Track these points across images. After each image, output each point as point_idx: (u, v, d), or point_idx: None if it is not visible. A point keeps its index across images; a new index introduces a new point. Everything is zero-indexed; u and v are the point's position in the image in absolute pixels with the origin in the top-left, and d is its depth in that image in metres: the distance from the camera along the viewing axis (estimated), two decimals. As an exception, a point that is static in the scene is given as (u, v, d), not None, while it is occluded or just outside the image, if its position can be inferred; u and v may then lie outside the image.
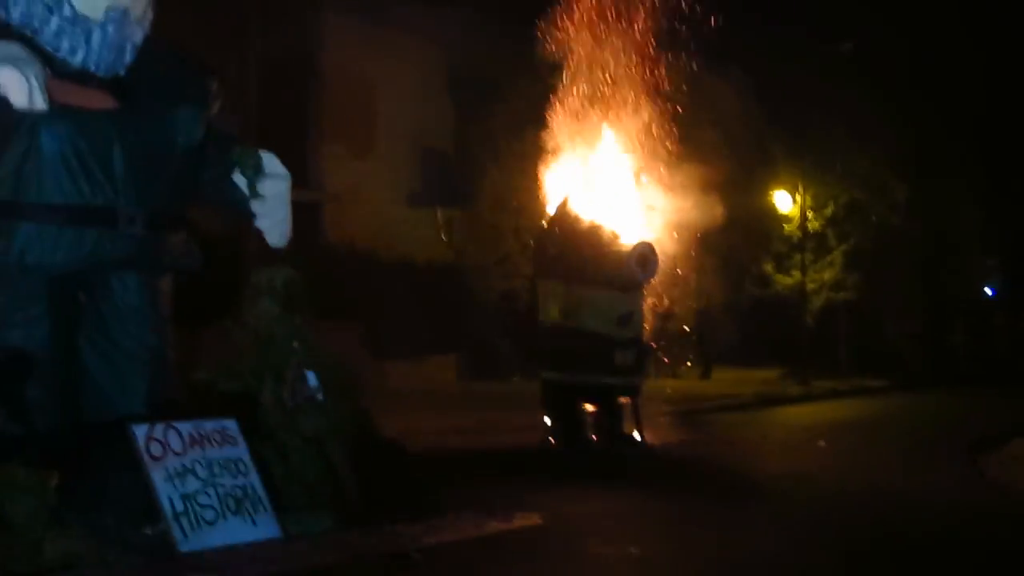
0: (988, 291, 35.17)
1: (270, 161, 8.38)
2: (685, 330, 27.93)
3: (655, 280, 14.56)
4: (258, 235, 8.70)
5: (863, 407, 21.67)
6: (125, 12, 7.68)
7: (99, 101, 7.65)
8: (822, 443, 15.31)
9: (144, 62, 7.89)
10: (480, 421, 16.51)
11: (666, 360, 26.71)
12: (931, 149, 29.13)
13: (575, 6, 14.86)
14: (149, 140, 7.81)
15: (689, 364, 26.64)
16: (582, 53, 14.94)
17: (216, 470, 7.42)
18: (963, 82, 29.69)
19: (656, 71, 21.72)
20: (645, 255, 13.51)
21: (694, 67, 22.39)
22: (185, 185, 8.13)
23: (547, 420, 13.94)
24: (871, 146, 27.73)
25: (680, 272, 21.95)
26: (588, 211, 14.12)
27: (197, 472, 7.32)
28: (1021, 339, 31.16)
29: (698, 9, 16.54)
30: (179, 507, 7.11)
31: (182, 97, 8.02)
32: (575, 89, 14.89)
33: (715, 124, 22.32)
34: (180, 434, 7.40)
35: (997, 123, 31.02)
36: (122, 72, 7.77)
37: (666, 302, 25.26)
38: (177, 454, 7.31)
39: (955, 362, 29.92)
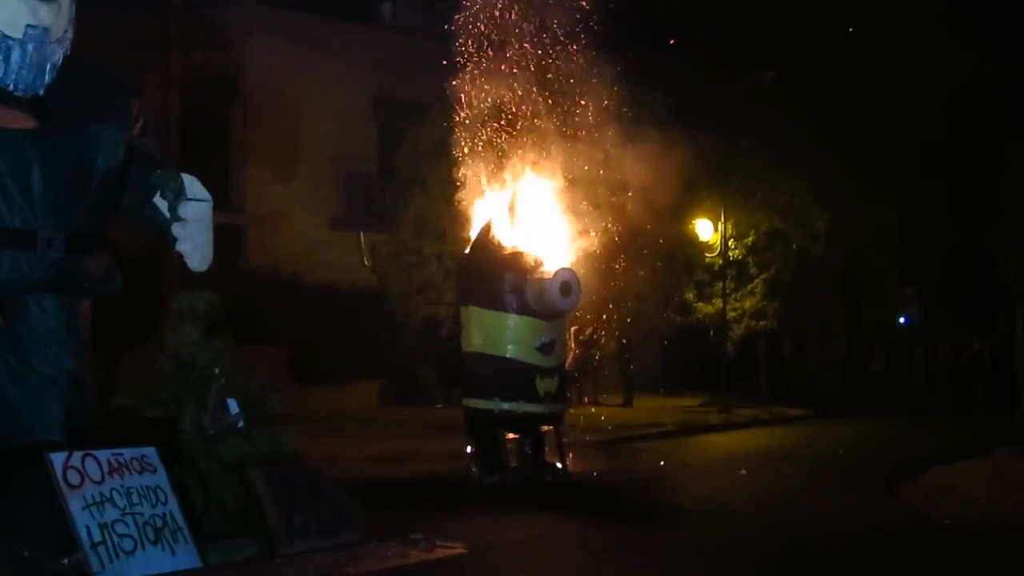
0: (902, 320, 35.73)
1: (192, 184, 8.32)
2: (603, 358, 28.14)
3: (578, 308, 14.60)
4: (179, 259, 8.63)
5: (783, 435, 21.89)
6: (46, 31, 7.61)
7: (18, 121, 7.56)
8: (743, 471, 15.45)
9: (64, 82, 7.82)
10: (402, 448, 16.45)
11: (586, 399, 26.87)
12: (852, 178, 29.55)
13: (487, 30, 14.90)
14: (69, 161, 7.72)
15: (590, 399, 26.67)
16: (500, 80, 15.00)
17: (135, 499, 7.34)
18: (885, 111, 30.21)
19: (578, 97, 21.95)
20: (568, 283, 13.55)
21: (615, 90, 22.70)
22: (105, 207, 8.04)
23: (469, 448, 13.93)
24: (792, 174, 28.11)
25: (603, 300, 22.10)
26: (511, 237, 14.16)
27: (115, 501, 7.24)
28: (938, 369, 31.64)
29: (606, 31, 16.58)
30: (96, 536, 7.02)
31: (103, 118, 7.95)
32: (495, 115, 14.93)
33: (637, 152, 22.49)
34: (98, 462, 7.31)
35: (918, 153, 31.61)
36: (42, 92, 7.70)
37: (588, 330, 25.43)
38: (95, 482, 7.22)
39: (874, 391, 30.30)
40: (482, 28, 14.91)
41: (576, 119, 21.13)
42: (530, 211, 14.45)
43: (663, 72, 25.34)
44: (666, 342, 29.71)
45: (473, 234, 14.50)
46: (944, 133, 32.42)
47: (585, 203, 19.39)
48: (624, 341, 28.46)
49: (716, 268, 27.80)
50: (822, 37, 29.26)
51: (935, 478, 14.61)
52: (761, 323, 28.27)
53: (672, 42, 21.68)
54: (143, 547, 7.19)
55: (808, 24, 29.03)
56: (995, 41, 33.19)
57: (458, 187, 15.03)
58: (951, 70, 31.98)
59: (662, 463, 16.11)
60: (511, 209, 14.24)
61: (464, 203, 14.89)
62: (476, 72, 15.06)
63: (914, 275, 34.61)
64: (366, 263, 27.12)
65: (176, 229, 8.21)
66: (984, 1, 33.32)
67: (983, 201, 32.03)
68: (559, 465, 13.98)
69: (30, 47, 7.54)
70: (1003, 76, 33.65)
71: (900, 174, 31.14)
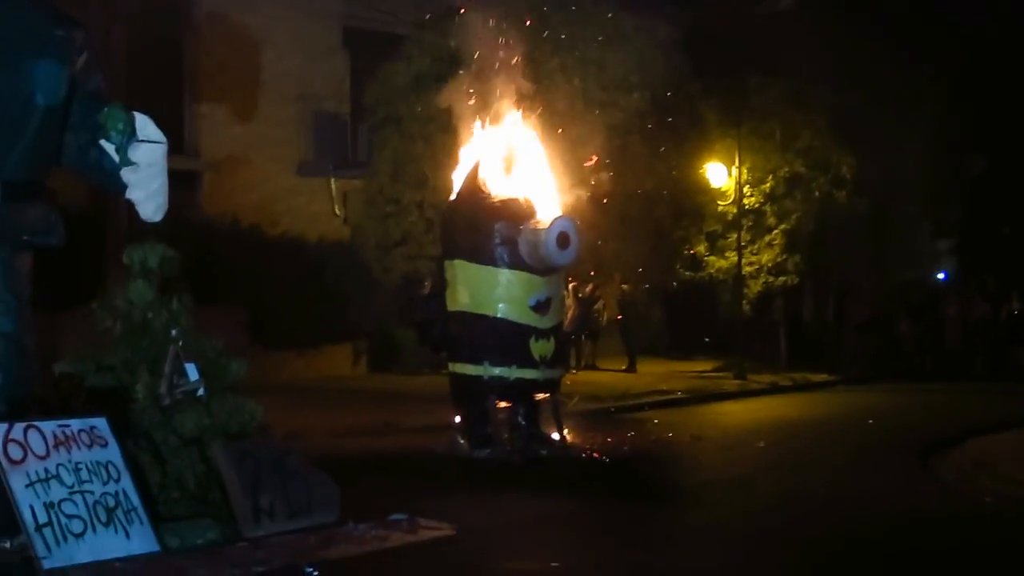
0: (940, 276, 35.76)
1: (144, 124, 8.25)
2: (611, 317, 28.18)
3: (576, 262, 14.59)
4: (129, 208, 8.58)
5: (805, 404, 21.96)
6: (-22, -45, 7.55)
7: (-53, 54, 7.51)
8: (761, 444, 15.50)
9: (-1, 12, 7.76)
10: (381, 419, 16.48)
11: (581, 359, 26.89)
12: (879, 118, 29.43)
13: None
14: (5, 100, 7.68)
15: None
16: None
17: (84, 475, 7.34)
18: (916, 44, 30.04)
19: (572, 28, 21.91)
20: (565, 234, 13.50)
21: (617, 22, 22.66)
22: (46, 150, 8.00)
23: (456, 419, 13.96)
24: (814, 113, 28.00)
25: (603, 252, 22.12)
26: (501, 183, 14.12)
27: (62, 478, 7.24)
28: (974, 331, 31.71)
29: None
30: (42, 518, 7.02)
31: (42, 51, 7.89)
32: (483, 48, 14.87)
33: (641, 87, 22.49)
34: (43, 434, 7.30)
35: (952, 92, 31.43)
36: (-26, 22, 7.64)
37: (589, 287, 25.46)
38: (39, 457, 7.22)
39: (904, 355, 30.38)
40: None
41: (575, 50, 21.17)
42: (523, 153, 14.41)
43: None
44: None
45: (458, 179, 14.46)
46: (980, 68, 32.26)
47: (585, 144, 19.47)
48: (628, 299, 28.53)
49: (730, 218, 27.74)
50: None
51: (973, 451, 14.70)
52: (780, 279, 28.25)
53: None
54: (94, 529, 7.19)
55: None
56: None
57: (442, 126, 15.02)
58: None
59: (670, 434, 16.16)
60: (504, 151, 14.19)
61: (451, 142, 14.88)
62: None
63: (948, 227, 34.62)
64: (337, 213, 27.07)
65: (126, 174, 8.16)
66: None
67: (1024, 144, 32.00)
68: (556, 437, 14.01)
69: (-40, -28, 7.48)
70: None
71: (932, 113, 31.00)
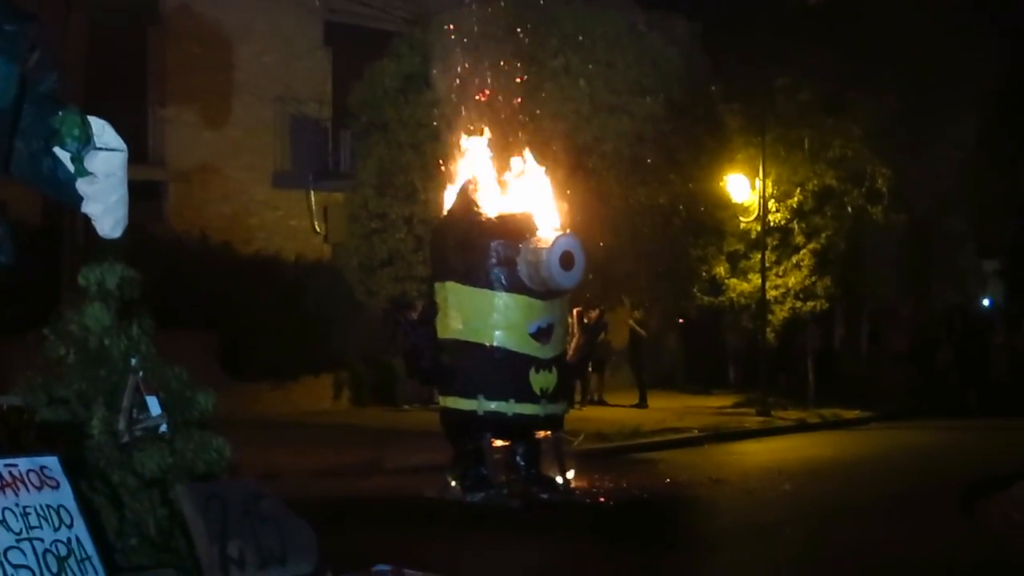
0: (986, 302, 35.81)
1: (102, 130, 8.22)
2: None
3: (581, 284, 14.60)
4: (86, 223, 8.59)
5: (836, 443, 21.96)
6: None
7: None
8: (786, 487, 15.50)
9: (-57, 4, 7.78)
10: (364, 458, 16.48)
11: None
12: (920, 125, 29.46)
13: None
14: (-52, 102, 7.69)
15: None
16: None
17: (33, 520, 7.30)
18: (962, 44, 30.08)
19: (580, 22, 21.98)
20: (569, 253, 13.53)
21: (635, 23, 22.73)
22: (-7, 159, 8.01)
23: (451, 458, 13.96)
24: (847, 119, 27.99)
25: (612, 274, 22.14)
26: (498, 198, 14.14)
27: (9, 523, 7.21)
28: (1022, 360, 31.71)
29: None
30: (-15, 567, 7.01)
31: (-10, 48, 7.91)
32: (483, 45, 14.93)
33: (655, 90, 22.52)
34: (-13, 475, 7.29)
35: (1001, 96, 31.43)
36: (-85, 15, 7.65)
37: (595, 312, 25.45)
38: (-17, 500, 7.21)
39: (946, 388, 30.36)
40: None
41: (581, 48, 21.23)
42: (522, 165, 14.44)
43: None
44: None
45: (451, 193, 14.48)
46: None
47: (593, 156, 19.52)
48: (639, 326, 28.53)
49: (753, 236, 27.71)
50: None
51: (1022, 494, 14.67)
52: (809, 304, 28.21)
53: None
54: (43, 581, 7.18)
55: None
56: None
57: (434, 133, 15.04)
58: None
59: (685, 477, 16.16)
60: (501, 162, 14.22)
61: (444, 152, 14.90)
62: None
63: (995, 246, 34.63)
64: (317, 229, 27.11)
65: (82, 186, 8.13)
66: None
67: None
68: (559, 479, 14.00)
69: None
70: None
71: (979, 121, 31.01)
